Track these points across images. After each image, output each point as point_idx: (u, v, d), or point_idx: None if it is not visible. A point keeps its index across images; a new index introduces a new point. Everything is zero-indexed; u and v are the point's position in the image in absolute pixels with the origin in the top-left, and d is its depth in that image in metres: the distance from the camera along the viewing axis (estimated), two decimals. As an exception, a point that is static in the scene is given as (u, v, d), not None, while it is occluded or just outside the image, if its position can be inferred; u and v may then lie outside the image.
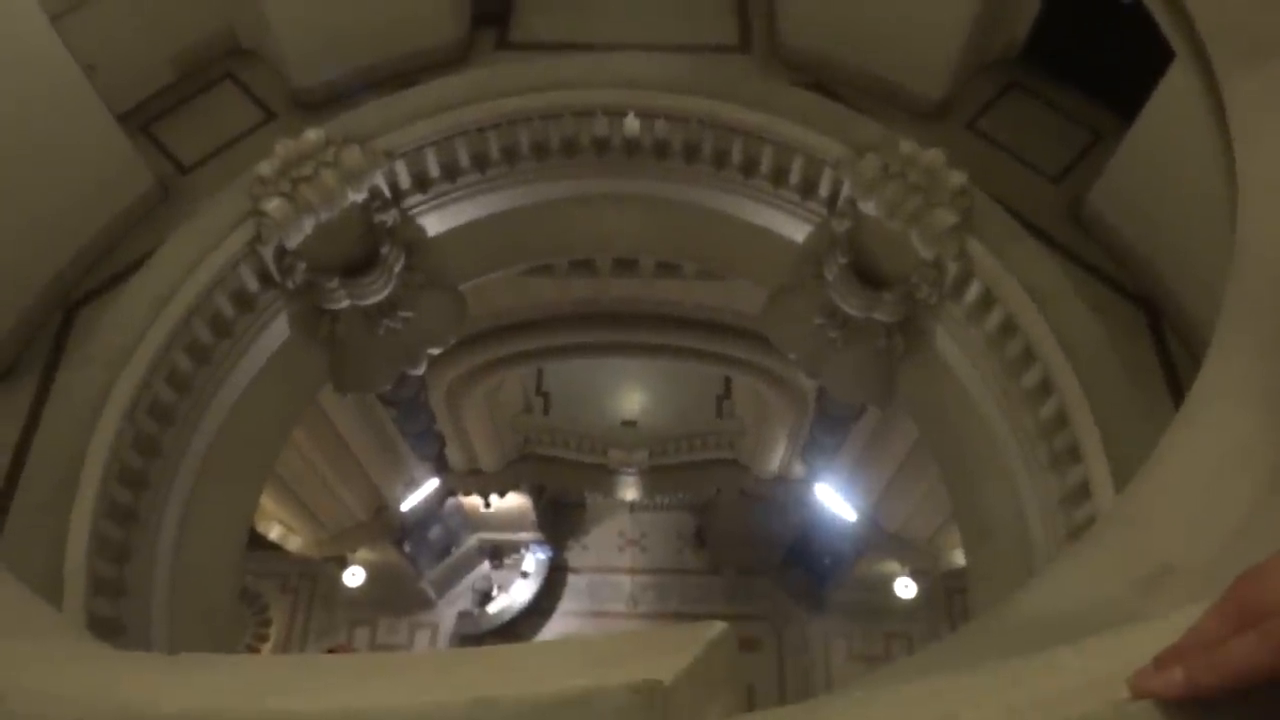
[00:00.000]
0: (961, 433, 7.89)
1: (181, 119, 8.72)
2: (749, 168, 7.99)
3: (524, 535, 18.57)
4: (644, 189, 8.37)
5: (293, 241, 7.32)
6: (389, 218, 7.81)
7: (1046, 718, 0.99)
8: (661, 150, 8.11)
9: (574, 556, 19.33)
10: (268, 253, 7.32)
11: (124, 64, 8.35)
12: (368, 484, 14.73)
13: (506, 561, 18.97)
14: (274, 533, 14.56)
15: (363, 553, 17.14)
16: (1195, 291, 7.06)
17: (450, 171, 8.02)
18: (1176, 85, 6.28)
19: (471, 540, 18.58)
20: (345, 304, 7.90)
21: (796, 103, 7.84)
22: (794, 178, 7.86)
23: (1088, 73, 8.64)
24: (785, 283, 8.52)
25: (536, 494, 17.76)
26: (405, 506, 15.71)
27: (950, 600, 17.57)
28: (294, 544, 15.06)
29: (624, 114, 7.93)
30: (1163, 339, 7.52)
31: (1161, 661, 0.95)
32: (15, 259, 7.19)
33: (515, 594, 18.19)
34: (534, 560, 18.50)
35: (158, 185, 8.21)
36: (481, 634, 17.90)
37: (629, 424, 15.87)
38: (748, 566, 18.74)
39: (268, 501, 13.14)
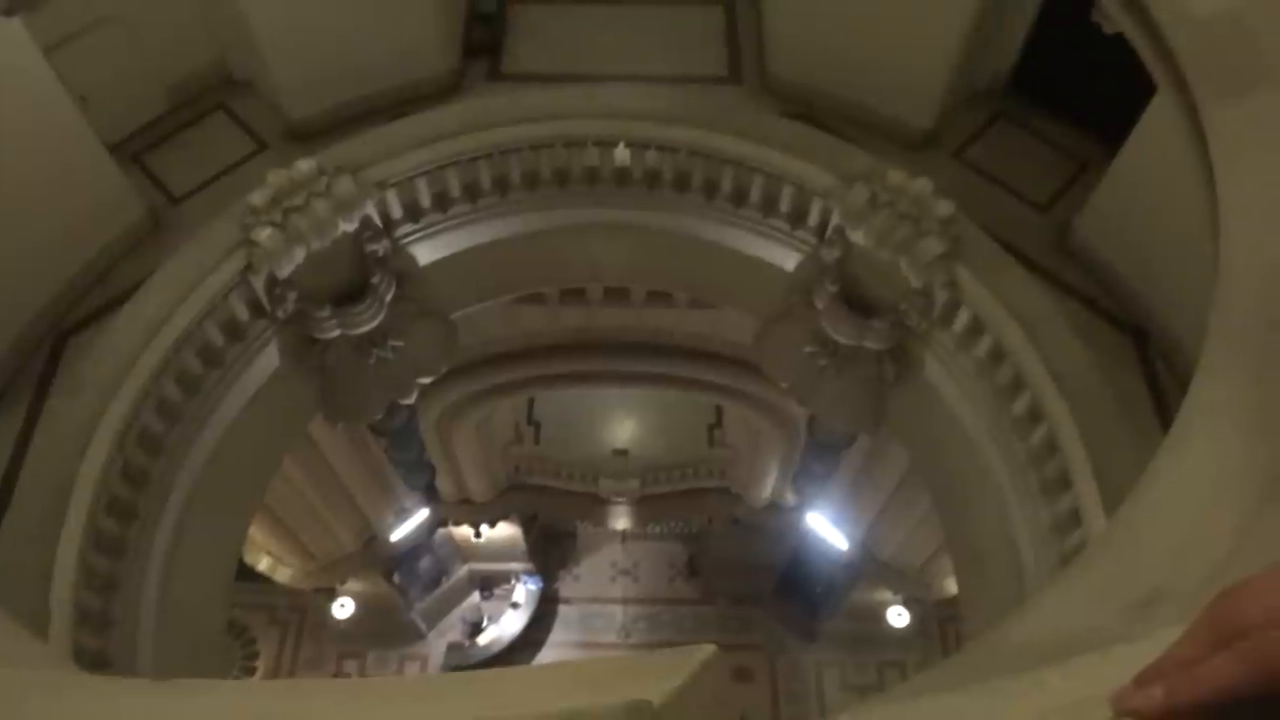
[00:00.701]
0: (952, 460, 7.90)
1: (173, 149, 8.75)
2: (739, 197, 8.05)
3: (515, 565, 18.45)
4: (635, 219, 8.42)
5: (284, 271, 7.33)
6: (380, 247, 7.82)
7: None
8: (652, 180, 8.17)
9: (565, 587, 19.20)
10: (259, 282, 7.32)
11: (116, 95, 8.40)
12: (357, 514, 14.64)
13: (497, 592, 18.82)
14: (263, 564, 14.45)
15: (352, 584, 17.00)
16: (1181, 317, 7.12)
17: (442, 201, 8.06)
18: (1159, 115, 6.37)
19: (462, 571, 18.45)
20: (336, 333, 7.90)
21: (786, 133, 7.93)
22: (784, 207, 7.92)
23: (1073, 103, 8.76)
24: (776, 311, 8.56)
25: (527, 524, 17.66)
26: (395, 537, 15.61)
27: (944, 629, 17.48)
28: (283, 575, 14.94)
29: (615, 144, 7.99)
30: (1150, 365, 7.57)
31: (1141, 680, 0.96)
32: (6, 287, 7.18)
33: (506, 625, 18.04)
34: (525, 591, 18.36)
35: (149, 215, 8.22)
36: (471, 666, 17.70)
37: (620, 453, 15.84)
38: (740, 596, 18.64)
39: (257, 532, 13.04)
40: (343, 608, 17.56)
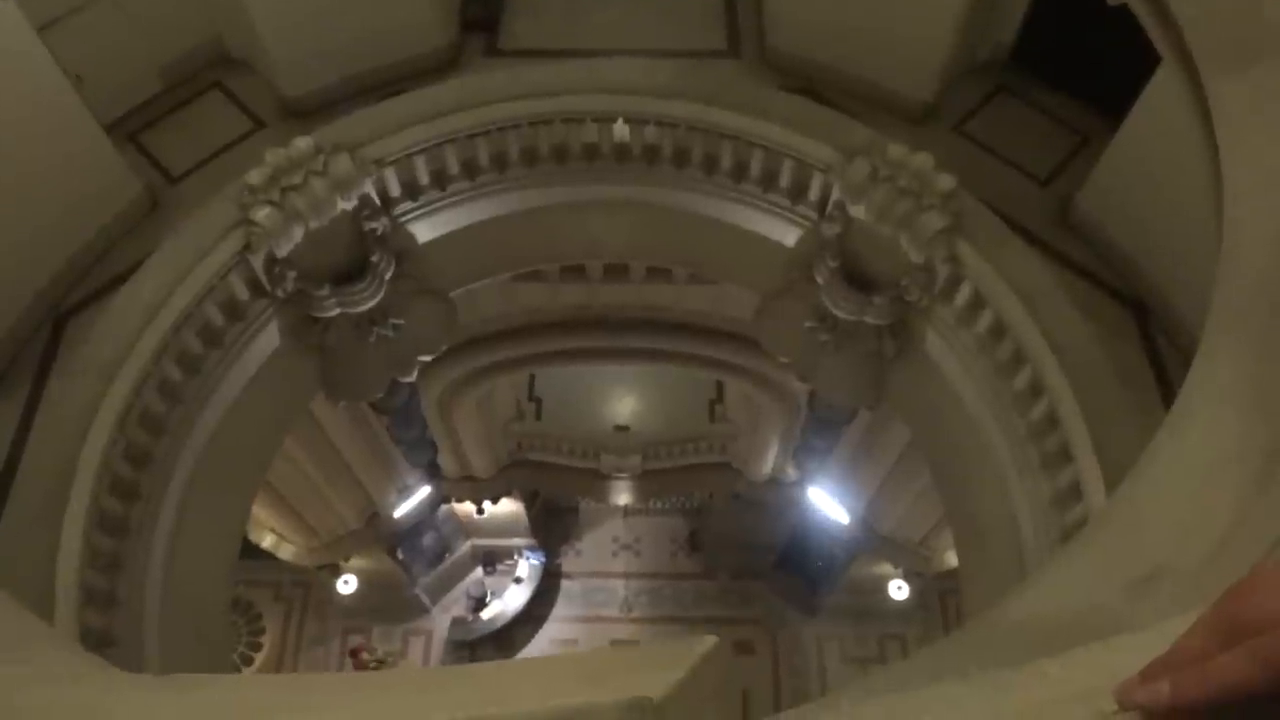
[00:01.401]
0: (953, 435, 7.91)
1: (170, 128, 8.69)
2: (739, 172, 8.01)
3: (517, 541, 18.54)
4: (634, 195, 8.38)
5: (283, 250, 7.31)
6: (379, 225, 7.80)
7: None
8: (651, 156, 8.13)
9: (568, 562, 19.31)
10: (257, 261, 7.30)
11: (111, 73, 8.33)
12: (360, 491, 14.69)
13: (500, 567, 18.93)
14: (266, 541, 14.52)
15: (356, 560, 17.09)
16: (1183, 292, 7.10)
17: (440, 179, 8.02)
18: (1163, 88, 6.32)
19: (465, 546, 18.55)
20: (336, 312, 7.89)
21: (785, 107, 7.87)
22: (784, 182, 7.88)
23: (1075, 75, 8.68)
24: (776, 287, 8.54)
25: (529, 500, 17.74)
26: (398, 513, 15.68)
27: (944, 602, 17.60)
28: (286, 552, 15.01)
29: (613, 120, 7.93)
30: (1151, 339, 7.55)
31: (1148, 674, 0.95)
32: (3, 268, 7.16)
33: (509, 600, 18.15)
34: (527, 566, 18.47)
35: (146, 194, 8.18)
36: (475, 640, 17.87)
37: (621, 429, 15.85)
38: (741, 570, 18.74)
39: (260, 510, 13.10)
40: (346, 584, 17.67)
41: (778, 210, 8.11)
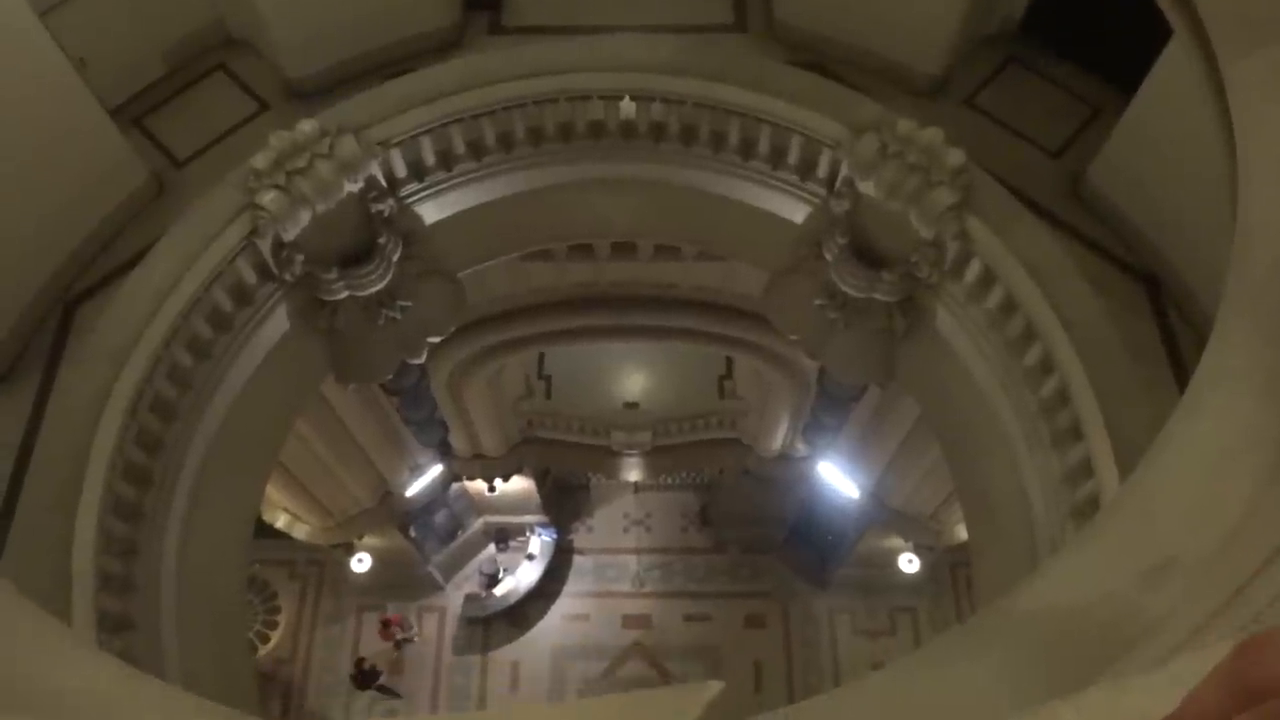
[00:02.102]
0: (963, 411, 7.89)
1: (174, 112, 8.68)
2: (747, 149, 7.95)
3: (529, 518, 18.62)
4: (641, 173, 8.32)
5: (290, 234, 7.31)
6: (386, 207, 7.78)
7: None
8: (658, 133, 8.06)
9: (579, 538, 19.39)
10: (265, 246, 7.30)
11: (115, 58, 8.31)
12: (372, 471, 14.76)
13: (512, 544, 19.02)
14: (280, 521, 14.61)
15: (369, 539, 17.19)
16: (1195, 265, 7.04)
17: (446, 159, 7.98)
18: (1175, 61, 6.22)
19: (477, 524, 18.64)
20: (344, 295, 7.89)
21: (793, 83, 7.78)
22: (792, 159, 7.82)
23: (1086, 46, 8.56)
24: (785, 264, 8.50)
25: (541, 477, 17.80)
26: (410, 492, 15.75)
27: (954, 574, 17.64)
28: (300, 531, 15.12)
29: (620, 98, 7.87)
30: (1163, 313, 7.51)
31: None
32: (12, 257, 7.18)
33: (522, 576, 18.25)
34: (539, 542, 18.55)
35: (153, 179, 8.18)
36: (489, 616, 18.01)
37: (631, 406, 15.86)
38: (752, 544, 18.80)
39: (273, 490, 13.18)
40: (360, 562, 17.79)
41: (786, 187, 8.05)
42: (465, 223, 8.33)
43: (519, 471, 16.67)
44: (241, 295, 7.44)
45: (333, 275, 7.70)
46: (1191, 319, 7.25)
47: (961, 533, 13.32)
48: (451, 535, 18.12)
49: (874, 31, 8.62)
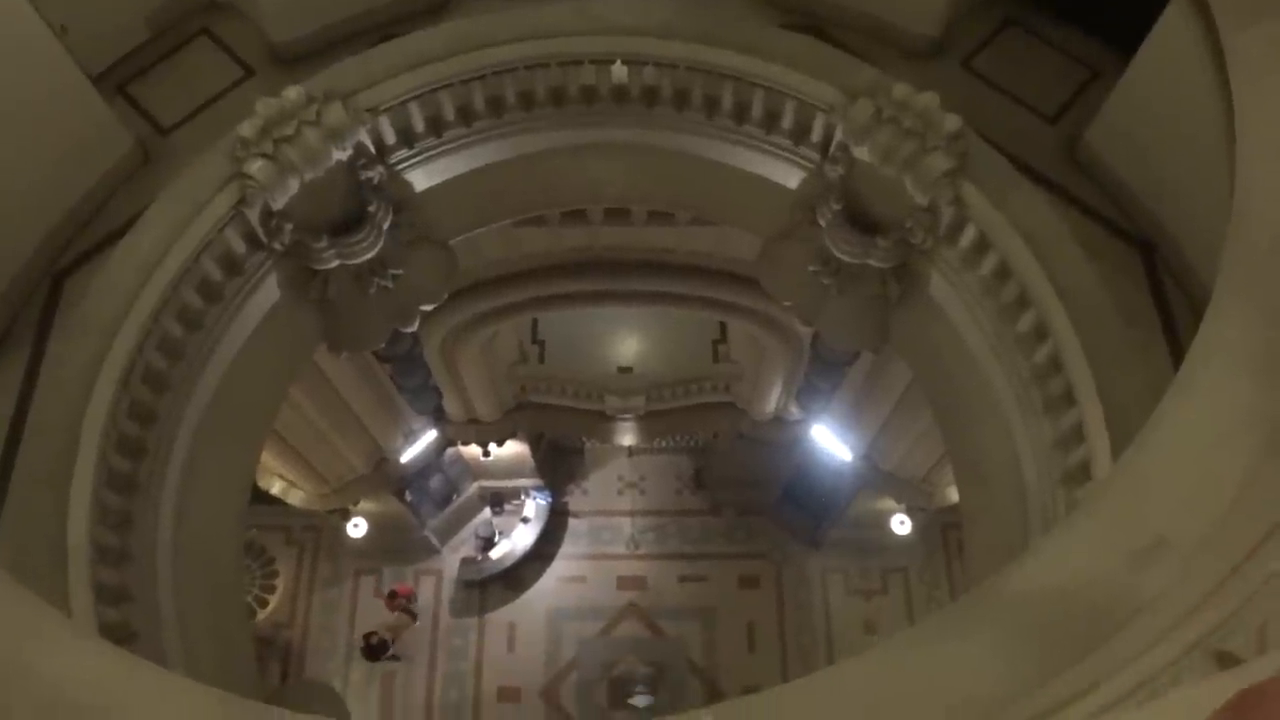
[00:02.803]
0: (956, 377, 7.90)
1: (158, 78, 8.51)
2: (740, 114, 7.86)
3: (524, 482, 18.70)
4: (634, 138, 8.23)
5: (278, 203, 7.23)
6: (375, 175, 7.69)
7: None
8: (650, 98, 7.97)
9: (574, 501, 19.51)
10: (253, 215, 7.22)
11: (96, 23, 8.12)
12: (367, 437, 14.78)
13: (507, 508, 19.13)
14: (275, 488, 14.65)
15: (365, 504, 17.26)
16: (1192, 232, 7.02)
17: (435, 125, 7.88)
18: (1174, 24, 6.13)
19: (472, 488, 18.72)
20: (335, 264, 7.82)
21: (787, 46, 7.68)
22: (786, 123, 7.74)
23: (1086, 8, 8.45)
24: (779, 230, 8.45)
25: (535, 441, 17.84)
26: (405, 458, 15.79)
27: (946, 535, 17.82)
28: (296, 498, 15.17)
29: (611, 62, 7.76)
30: (1158, 279, 7.49)
31: None
32: (-2, 228, 7.11)
33: (517, 539, 18.37)
34: (535, 506, 18.65)
35: (138, 147, 8.06)
36: (485, 579, 18.15)
37: (625, 370, 15.85)
38: (746, 507, 18.94)
39: (269, 457, 13.20)
40: (356, 527, 17.89)
41: (780, 152, 7.98)
42: (456, 189, 8.25)
43: (513, 436, 16.71)
44: (231, 265, 7.38)
45: (323, 244, 7.62)
46: (1186, 285, 7.24)
47: (953, 494, 13.43)
48: (447, 500, 18.20)
49: (869, -8, 8.50)
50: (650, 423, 16.46)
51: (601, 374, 15.74)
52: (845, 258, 7.81)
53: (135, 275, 6.80)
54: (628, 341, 16.05)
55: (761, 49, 7.57)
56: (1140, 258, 7.53)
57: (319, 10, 8.53)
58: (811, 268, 8.17)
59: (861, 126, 7.07)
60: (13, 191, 7.10)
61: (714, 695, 17.32)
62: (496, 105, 7.90)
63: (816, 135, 7.66)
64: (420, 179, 8.09)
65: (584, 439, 18.73)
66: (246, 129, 6.96)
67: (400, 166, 7.96)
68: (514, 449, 17.41)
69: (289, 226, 7.40)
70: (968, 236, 7.16)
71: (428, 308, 8.98)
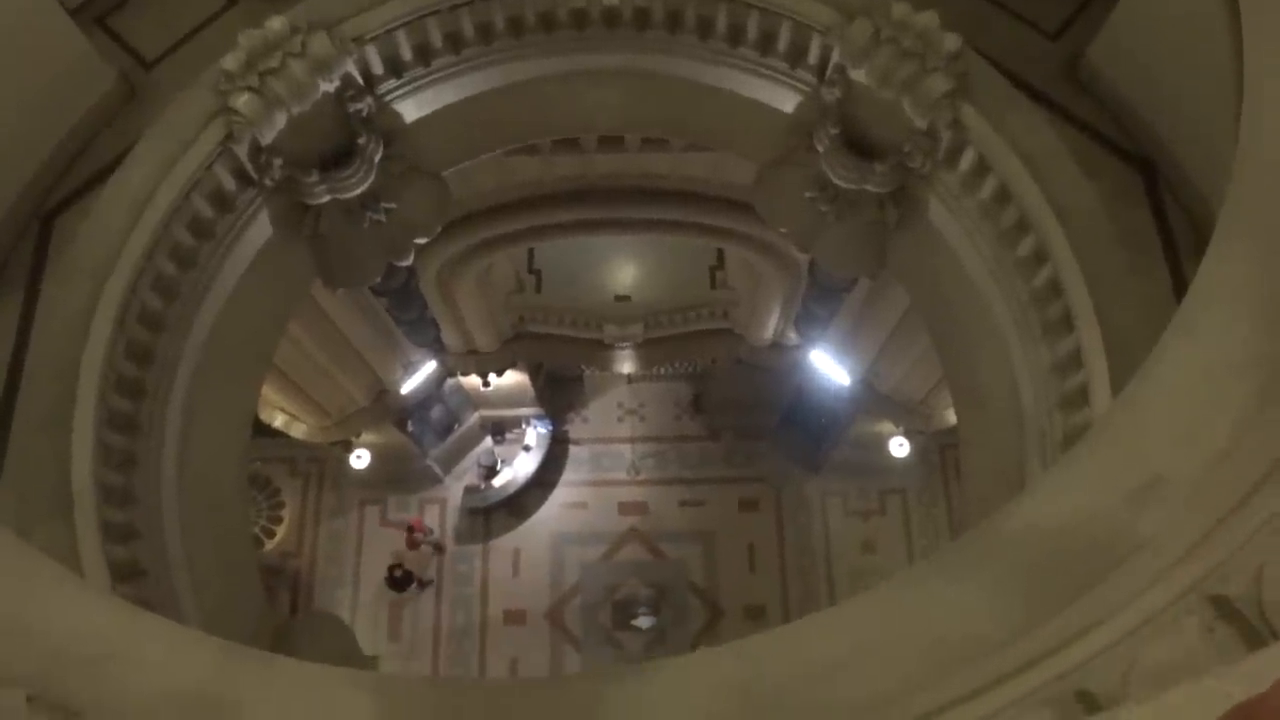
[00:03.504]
0: (954, 302, 7.88)
1: (138, 9, 8.27)
2: (734, 36, 7.67)
3: (524, 410, 18.81)
4: (626, 63, 8.05)
5: (267, 137, 7.10)
6: (364, 106, 7.53)
7: None
8: (643, 21, 7.76)
9: (575, 429, 19.65)
10: (242, 151, 7.10)
11: (70, -48, 7.88)
12: (367, 370, 14.82)
13: (509, 436, 19.28)
14: (278, 421, 14.74)
15: (367, 435, 17.39)
16: (1194, 151, 6.93)
17: (424, 54, 7.69)
18: (1181, -65, 5.96)
19: (473, 417, 18.83)
20: (326, 199, 7.73)
21: (783, -36, 7.45)
22: (781, 45, 7.55)
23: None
24: (775, 155, 8.33)
25: (534, 371, 17.89)
26: (405, 390, 15.86)
27: (944, 455, 17.99)
28: (298, 431, 15.28)
29: (602, -16, 7.54)
30: (1159, 199, 7.42)
31: None
32: (-18, 169, 7.00)
33: (519, 467, 18.57)
34: (536, 434, 18.80)
35: (122, 81, 7.88)
36: (489, 506, 18.41)
37: (622, 298, 15.81)
38: (745, 431, 19.08)
39: (270, 391, 13.25)
40: (359, 459, 18.05)
41: (776, 75, 7.80)
42: (447, 119, 8.10)
43: (512, 366, 16.74)
44: (222, 202, 7.28)
45: (313, 178, 7.52)
46: (1187, 203, 7.18)
47: (950, 417, 13.53)
48: (448, 430, 18.33)
49: (867, -96, 8.20)
50: (649, 350, 16.48)
51: (599, 302, 15.71)
52: (842, 183, 7.71)
53: (126, 215, 6.72)
54: (625, 269, 15.97)
55: (756, -32, 7.35)
56: (1141, 178, 7.45)
57: (299, -66, 8.24)
58: (808, 193, 8.07)
59: (859, 48, 6.91)
60: (-5, 132, 6.97)
61: (716, 616, 17.73)
62: (486, 32, 7.70)
63: (813, 57, 7.48)
64: (410, 110, 7.93)
65: (583, 367, 18.78)
66: (230, 62, 6.79)
67: (389, 97, 7.80)
68: (514, 378, 17.46)
69: (278, 162, 7.29)
70: (967, 160, 7.06)
71: (422, 241, 8.90)
